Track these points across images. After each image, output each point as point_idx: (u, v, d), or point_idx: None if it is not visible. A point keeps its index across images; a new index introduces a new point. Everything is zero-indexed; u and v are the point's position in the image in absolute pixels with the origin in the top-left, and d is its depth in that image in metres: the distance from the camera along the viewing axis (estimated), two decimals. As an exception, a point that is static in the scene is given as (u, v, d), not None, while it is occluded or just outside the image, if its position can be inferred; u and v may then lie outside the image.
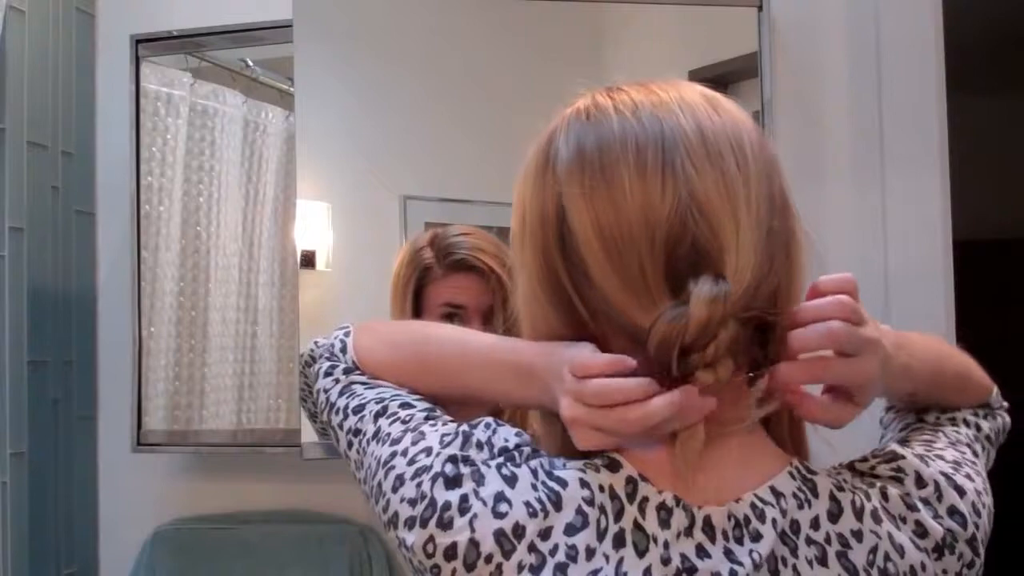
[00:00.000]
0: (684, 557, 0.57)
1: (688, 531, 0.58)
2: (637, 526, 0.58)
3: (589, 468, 0.60)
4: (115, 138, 1.63)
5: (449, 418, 0.66)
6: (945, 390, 0.75)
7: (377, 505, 0.63)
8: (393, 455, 0.63)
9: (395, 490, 0.61)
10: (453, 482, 0.59)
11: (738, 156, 0.60)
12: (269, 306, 1.59)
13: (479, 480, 0.59)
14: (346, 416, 0.70)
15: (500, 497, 0.58)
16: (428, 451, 0.62)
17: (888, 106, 1.47)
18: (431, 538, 0.58)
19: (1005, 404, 0.81)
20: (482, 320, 1.15)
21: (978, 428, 0.75)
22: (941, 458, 0.67)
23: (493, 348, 0.70)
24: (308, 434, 1.38)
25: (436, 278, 1.18)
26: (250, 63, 1.60)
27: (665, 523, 0.58)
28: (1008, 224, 2.90)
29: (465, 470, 0.60)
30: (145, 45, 1.59)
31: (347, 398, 0.71)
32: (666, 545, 0.57)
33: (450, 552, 0.58)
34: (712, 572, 0.57)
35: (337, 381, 0.73)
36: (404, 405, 0.68)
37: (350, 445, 0.69)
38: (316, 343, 0.79)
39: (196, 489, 1.62)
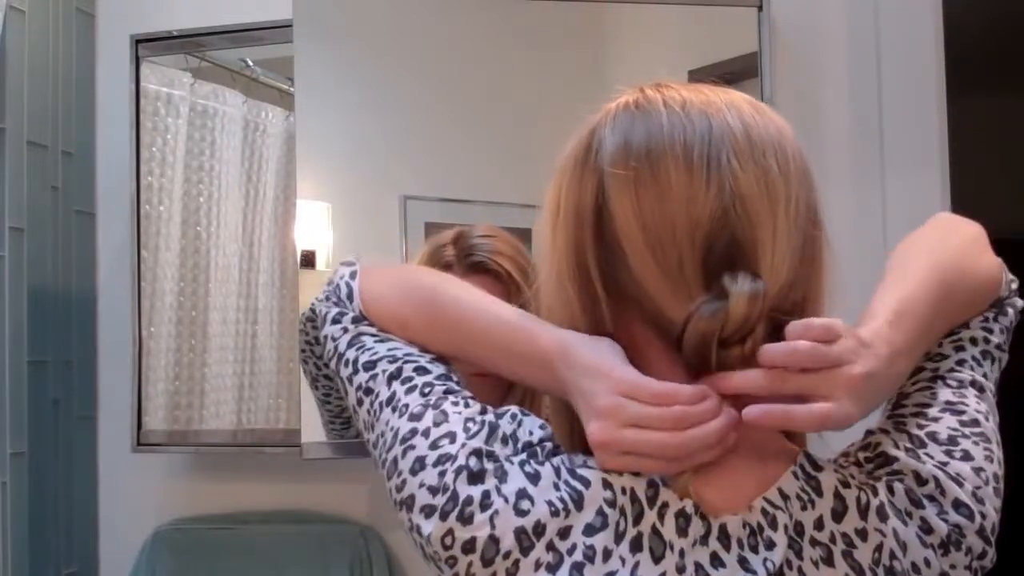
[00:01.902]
0: (699, 566, 0.57)
1: (704, 540, 0.58)
2: (655, 532, 0.58)
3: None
4: (115, 138, 1.63)
5: (468, 394, 0.65)
6: (954, 322, 0.71)
7: (390, 481, 0.63)
8: (413, 432, 0.63)
9: (414, 473, 0.61)
10: (476, 477, 0.59)
11: (780, 159, 0.61)
12: (269, 306, 1.59)
13: (501, 477, 0.59)
14: (356, 371, 0.69)
15: (522, 494, 0.58)
16: (452, 437, 0.61)
17: (888, 106, 1.47)
18: (450, 531, 0.59)
19: (1015, 285, 0.76)
20: None
21: (986, 341, 0.71)
22: (934, 438, 0.64)
23: (511, 326, 0.67)
24: (308, 434, 1.38)
25: None
26: (250, 63, 1.60)
27: (683, 531, 0.58)
28: (1008, 224, 2.89)
29: (489, 466, 0.60)
30: (145, 45, 1.59)
31: (357, 351, 0.70)
32: (682, 553, 0.58)
33: (468, 546, 0.58)
34: None
35: (346, 330, 0.71)
36: (419, 369, 0.66)
37: (359, 403, 0.68)
38: (317, 299, 0.76)
39: (196, 489, 1.62)
